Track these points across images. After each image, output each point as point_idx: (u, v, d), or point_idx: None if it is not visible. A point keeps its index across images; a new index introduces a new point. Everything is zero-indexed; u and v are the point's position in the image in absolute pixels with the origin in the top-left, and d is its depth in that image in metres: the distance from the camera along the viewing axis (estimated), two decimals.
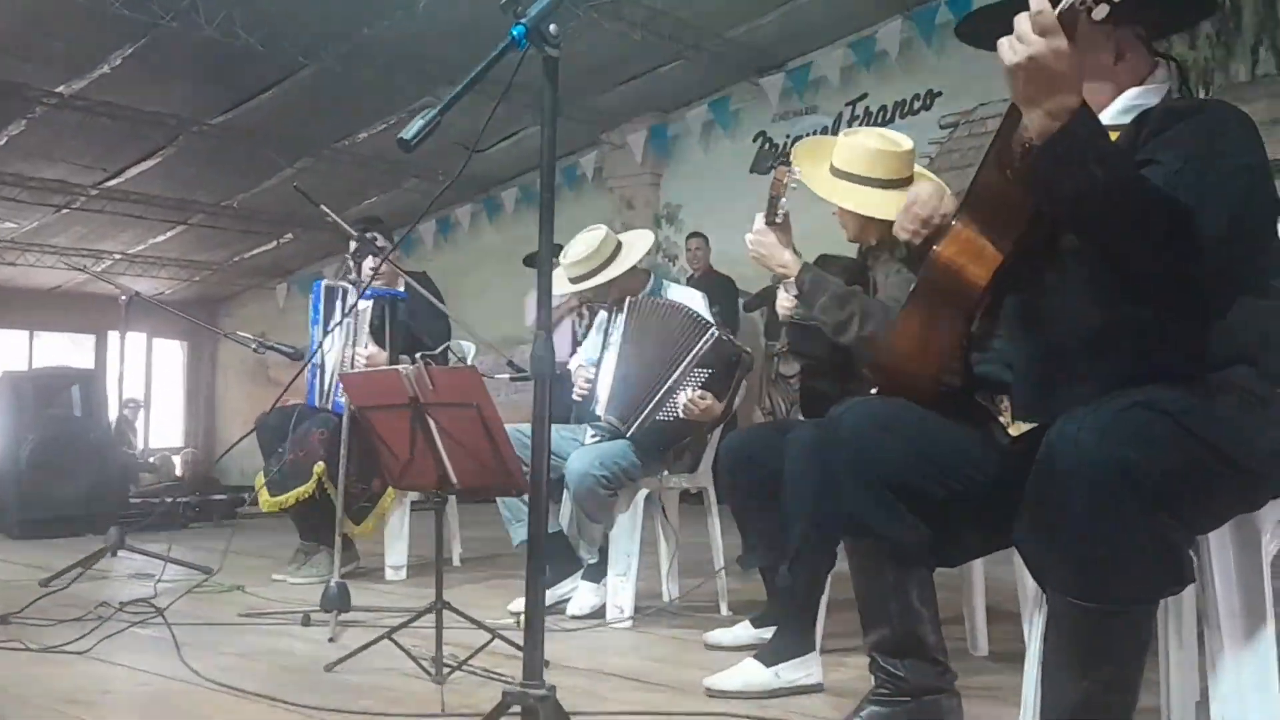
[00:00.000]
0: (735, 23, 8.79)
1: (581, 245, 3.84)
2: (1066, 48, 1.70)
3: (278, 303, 13.42)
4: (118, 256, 11.89)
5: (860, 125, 9.33)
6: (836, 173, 2.94)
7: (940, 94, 8.90)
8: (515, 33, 1.57)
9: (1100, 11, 1.76)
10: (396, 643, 2.80)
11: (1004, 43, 1.73)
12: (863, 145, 2.96)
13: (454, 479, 2.80)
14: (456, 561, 4.88)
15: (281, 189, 10.82)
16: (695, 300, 3.80)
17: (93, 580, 4.29)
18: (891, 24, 8.91)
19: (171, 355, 14.68)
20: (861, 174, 2.91)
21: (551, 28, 1.59)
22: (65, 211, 10.52)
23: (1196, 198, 1.73)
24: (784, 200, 2.90)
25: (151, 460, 11.47)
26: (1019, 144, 1.94)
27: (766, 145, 9.83)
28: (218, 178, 10.38)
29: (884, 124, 9.19)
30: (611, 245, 3.85)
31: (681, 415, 3.51)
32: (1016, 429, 2.07)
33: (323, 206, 3.56)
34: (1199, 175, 1.76)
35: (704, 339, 3.53)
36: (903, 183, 2.90)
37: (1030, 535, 1.78)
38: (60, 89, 8.34)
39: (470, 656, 2.77)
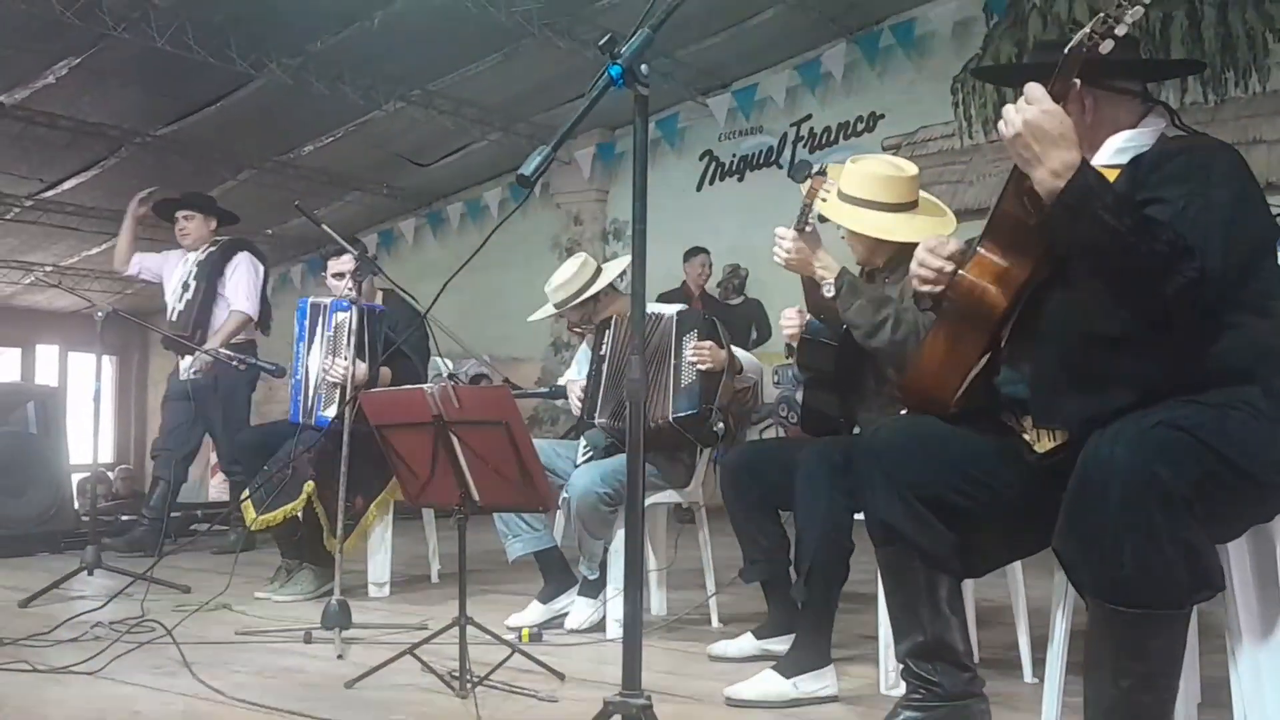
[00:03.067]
0: (684, 43, 8.92)
1: (564, 271, 4.05)
2: (1055, 108, 1.94)
3: None
4: (48, 268, 11.61)
5: (805, 145, 9.55)
6: (845, 198, 3.05)
7: (883, 116, 9.15)
8: (612, 73, 1.66)
9: (1107, 46, 1.95)
10: (420, 658, 2.84)
11: (1000, 125, 1.99)
12: (871, 171, 3.08)
13: (477, 496, 2.85)
14: (435, 578, 4.89)
15: (222, 201, 10.57)
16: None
17: (66, 600, 4.22)
18: (836, 47, 9.14)
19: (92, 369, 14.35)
20: (870, 198, 3.03)
21: (643, 68, 1.67)
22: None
23: (1198, 233, 1.92)
24: (815, 211, 3.00)
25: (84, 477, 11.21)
26: (1027, 185, 2.09)
27: (713, 164, 9.99)
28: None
29: (827, 145, 9.44)
30: (591, 269, 4.04)
31: (699, 369, 3.61)
32: (1042, 446, 2.19)
33: (324, 226, 3.59)
34: (1200, 212, 1.95)
35: (673, 324, 3.69)
36: (909, 205, 3.04)
37: (1069, 544, 1.92)
38: (1, 98, 8.15)
39: (492, 671, 2.82)
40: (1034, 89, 1.95)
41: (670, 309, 3.85)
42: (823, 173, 3.02)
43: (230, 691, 2.77)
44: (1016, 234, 2.18)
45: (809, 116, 9.54)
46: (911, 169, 3.11)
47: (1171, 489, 1.80)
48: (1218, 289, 1.92)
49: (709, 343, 3.63)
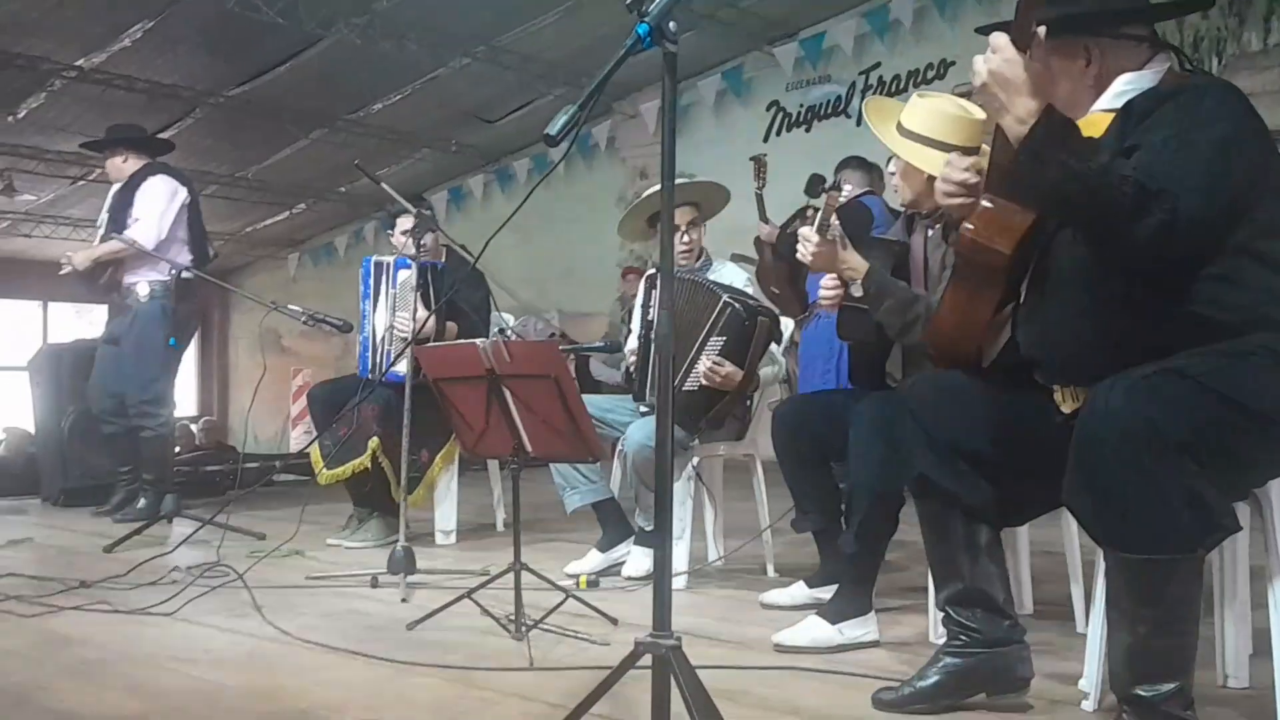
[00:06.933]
0: None
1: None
2: (1016, 57, 1.92)
3: (289, 272, 13.51)
4: None
5: (874, 94, 9.39)
6: (906, 133, 3.00)
7: (954, 64, 8.93)
8: (640, 31, 1.68)
9: (1043, 30, 1.99)
10: (477, 602, 2.94)
11: (971, 75, 1.99)
12: (939, 109, 2.99)
13: (529, 447, 2.93)
14: (500, 526, 5.01)
15: (295, 160, 10.89)
16: (738, 280, 3.90)
17: (148, 545, 4.40)
18: None
19: None
20: (936, 137, 2.95)
21: (671, 25, 1.69)
22: (81, 184, 10.55)
23: (1176, 173, 1.87)
24: (834, 220, 3.05)
25: None
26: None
27: (780, 115, 9.89)
28: (232, 149, 10.43)
29: (897, 93, 9.26)
30: None
31: (703, 383, 3.61)
32: (1068, 407, 2.18)
33: (384, 185, 3.67)
34: (1177, 151, 1.91)
35: (716, 309, 3.62)
36: (972, 151, 2.98)
37: (1076, 496, 1.95)
38: (80, 62, 8.39)
39: (546, 615, 2.91)
40: (997, 38, 1.95)
41: (737, 279, 3.85)
42: (836, 186, 3.10)
43: (296, 632, 2.90)
44: None
45: (878, 65, 9.39)
46: (979, 113, 3.02)
47: (1167, 434, 1.81)
48: (1196, 230, 1.87)
49: (729, 366, 3.57)
